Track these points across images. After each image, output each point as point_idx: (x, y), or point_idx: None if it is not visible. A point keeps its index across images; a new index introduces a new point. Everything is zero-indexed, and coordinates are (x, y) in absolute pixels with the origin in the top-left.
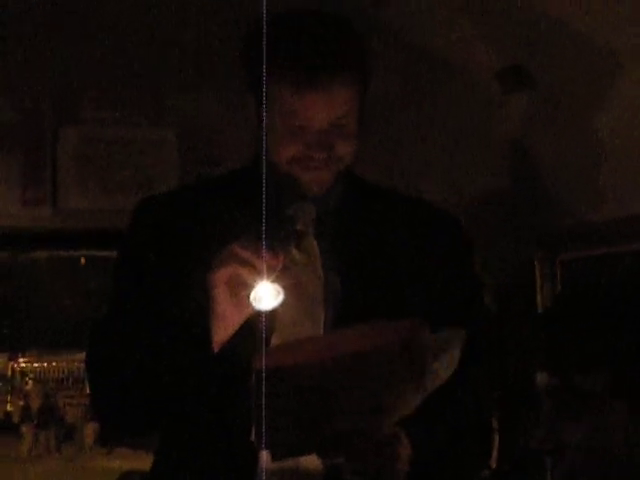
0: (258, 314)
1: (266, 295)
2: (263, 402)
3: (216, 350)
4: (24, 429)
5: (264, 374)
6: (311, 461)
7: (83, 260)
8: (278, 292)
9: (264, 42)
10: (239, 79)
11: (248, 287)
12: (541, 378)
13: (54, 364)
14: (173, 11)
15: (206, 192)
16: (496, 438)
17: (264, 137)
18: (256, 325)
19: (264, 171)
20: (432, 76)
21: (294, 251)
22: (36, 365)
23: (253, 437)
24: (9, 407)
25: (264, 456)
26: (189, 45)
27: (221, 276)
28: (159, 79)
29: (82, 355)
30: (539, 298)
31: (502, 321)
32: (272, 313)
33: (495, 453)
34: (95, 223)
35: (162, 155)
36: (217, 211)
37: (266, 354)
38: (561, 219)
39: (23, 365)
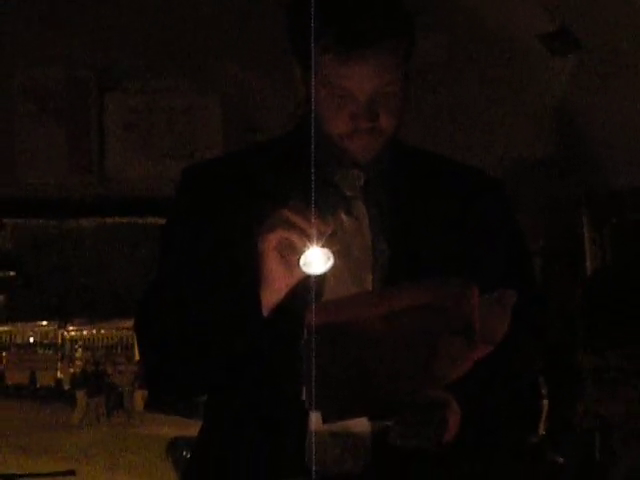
0: (307, 278)
1: (316, 260)
2: (313, 361)
3: (265, 314)
4: (79, 396)
5: (314, 332)
6: (360, 424)
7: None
8: (328, 257)
9: (312, 12)
10: (282, 47)
11: (297, 252)
12: (581, 355)
13: (103, 331)
14: None
15: (252, 158)
16: (545, 404)
17: (312, 106)
18: (305, 289)
19: (313, 139)
20: (477, 41)
21: (342, 217)
22: (85, 333)
23: (304, 397)
24: (59, 374)
25: (314, 418)
26: (232, 13)
27: (271, 240)
28: (202, 47)
29: (131, 322)
30: (588, 264)
31: (549, 288)
32: (320, 278)
33: (544, 419)
34: (141, 190)
35: (206, 122)
36: (263, 177)
37: (316, 310)
38: (609, 183)
39: (72, 333)
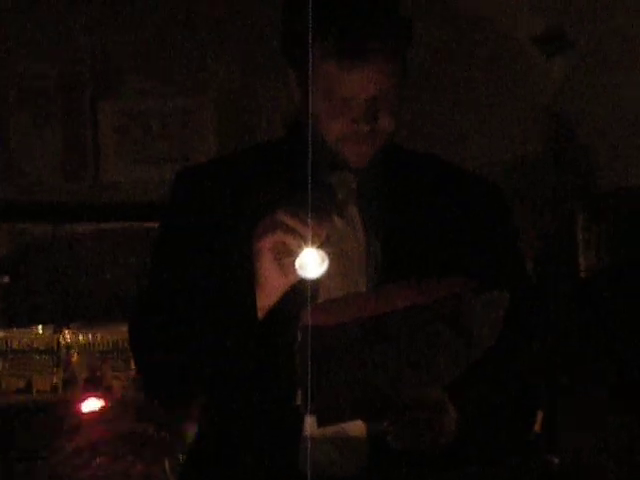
0: (301, 281)
1: (311, 262)
2: (308, 365)
3: (260, 316)
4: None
5: (309, 334)
6: (356, 427)
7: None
8: (323, 259)
9: (310, 16)
10: (277, 50)
11: (293, 254)
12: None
13: (99, 336)
14: None
15: (246, 161)
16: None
17: (310, 109)
18: (300, 292)
19: (310, 142)
20: (470, 42)
21: (336, 219)
22: (81, 337)
23: (299, 402)
24: (55, 380)
25: (309, 421)
26: (226, 16)
27: (266, 243)
28: (197, 50)
29: (126, 327)
30: (581, 264)
31: (542, 288)
32: (314, 280)
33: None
34: (136, 194)
35: (200, 126)
36: (257, 180)
37: (310, 313)
38: (602, 183)
39: (68, 338)
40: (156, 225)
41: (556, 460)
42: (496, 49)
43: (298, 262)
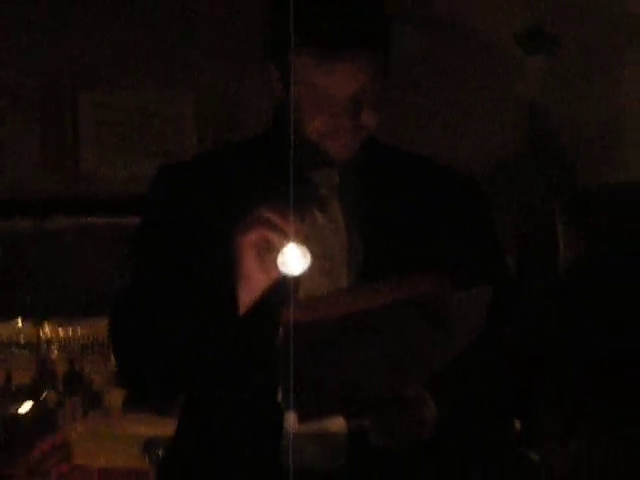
0: (284, 277)
1: (294, 258)
2: (290, 361)
3: (242, 312)
4: (48, 396)
5: (290, 330)
6: (336, 423)
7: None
8: (305, 255)
9: (292, 14)
10: (258, 45)
11: (275, 250)
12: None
13: (79, 331)
14: None
15: (227, 157)
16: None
17: (292, 106)
18: (281, 288)
19: (292, 138)
20: (452, 38)
21: (318, 215)
22: (61, 332)
23: (279, 398)
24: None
25: (290, 417)
26: (207, 12)
27: (249, 239)
28: (176, 45)
29: (106, 322)
30: (561, 261)
31: (523, 285)
32: (296, 277)
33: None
34: (116, 189)
35: (180, 121)
36: (238, 176)
37: (289, 309)
38: (584, 181)
39: (48, 332)
40: (136, 220)
41: (536, 457)
42: (477, 47)
43: (280, 258)
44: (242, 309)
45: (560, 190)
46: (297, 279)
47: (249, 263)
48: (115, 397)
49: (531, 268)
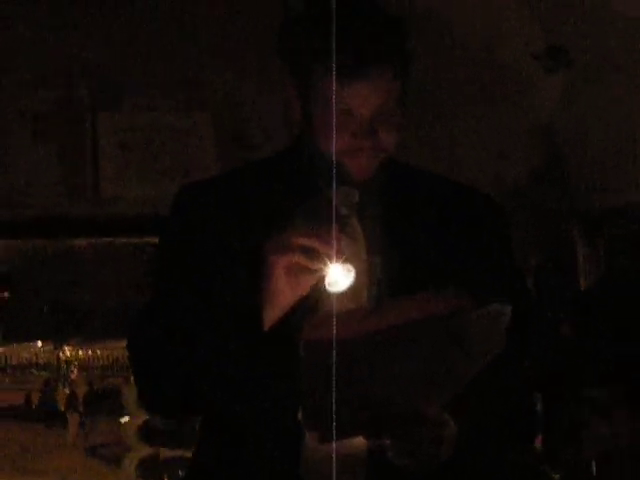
0: (308, 294)
1: (340, 277)
2: (311, 380)
3: (267, 329)
4: (70, 417)
5: (311, 348)
6: (356, 442)
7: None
8: (349, 271)
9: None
10: (277, 64)
11: (309, 272)
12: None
13: (99, 352)
14: None
15: (248, 176)
16: (540, 420)
17: (312, 126)
18: (302, 305)
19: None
20: (469, 58)
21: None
22: (81, 353)
23: (300, 417)
24: (55, 395)
25: (310, 437)
26: (225, 31)
27: (281, 263)
28: (195, 65)
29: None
30: (581, 279)
31: (542, 303)
32: (316, 295)
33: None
34: (136, 209)
35: (199, 140)
36: (259, 194)
37: (313, 326)
38: (601, 198)
39: (68, 354)
40: (156, 240)
41: (557, 476)
42: (495, 66)
43: (327, 280)
44: (266, 326)
45: (579, 208)
46: (317, 298)
47: (279, 282)
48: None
49: (549, 287)
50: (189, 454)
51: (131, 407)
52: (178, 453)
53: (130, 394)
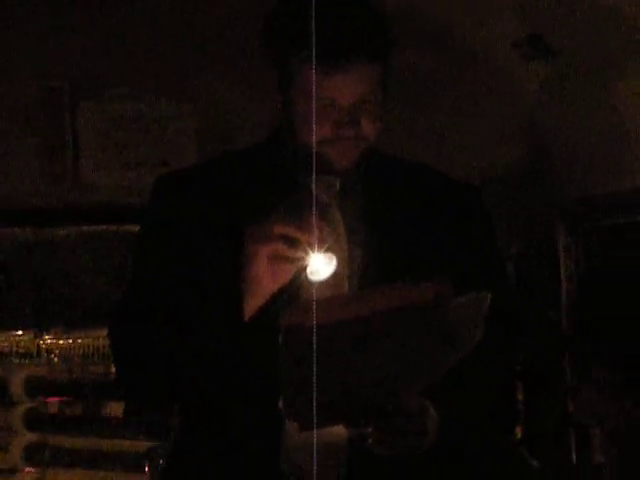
0: (288, 283)
1: (322, 266)
2: (290, 368)
3: (247, 318)
4: (49, 405)
5: (291, 334)
6: (337, 431)
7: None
8: (331, 259)
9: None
10: (258, 56)
11: (291, 261)
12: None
13: (79, 341)
14: None
15: (227, 166)
16: (521, 408)
17: (296, 116)
18: (282, 293)
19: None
20: (448, 49)
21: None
22: (61, 342)
23: (280, 406)
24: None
25: (291, 425)
26: (208, 21)
27: (263, 251)
28: (177, 55)
29: (106, 331)
30: (562, 271)
31: (523, 293)
32: (297, 286)
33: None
34: (116, 198)
35: (180, 131)
36: (239, 185)
37: (291, 313)
38: (582, 189)
39: (49, 342)
40: (136, 228)
41: (535, 462)
42: (475, 57)
43: (309, 269)
44: (247, 315)
45: (561, 200)
46: (297, 285)
47: (260, 271)
48: (116, 407)
49: (531, 277)
50: (77, 442)
51: (17, 394)
52: (65, 440)
53: (16, 381)
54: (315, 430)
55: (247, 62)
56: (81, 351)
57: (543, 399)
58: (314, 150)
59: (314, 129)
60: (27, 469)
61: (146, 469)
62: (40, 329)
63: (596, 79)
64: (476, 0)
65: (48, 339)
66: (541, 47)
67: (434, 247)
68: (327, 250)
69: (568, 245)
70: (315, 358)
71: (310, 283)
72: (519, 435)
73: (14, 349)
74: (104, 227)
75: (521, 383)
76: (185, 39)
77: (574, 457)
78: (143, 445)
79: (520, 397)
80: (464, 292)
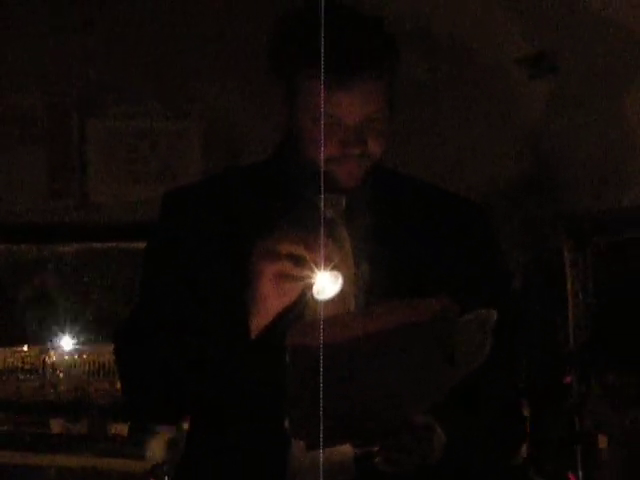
0: (295, 302)
1: (328, 285)
2: (297, 386)
3: (253, 336)
4: (53, 422)
5: (298, 354)
6: (343, 449)
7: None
8: (337, 278)
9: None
10: (264, 71)
11: (297, 279)
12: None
13: (85, 357)
14: (199, 2)
15: (233, 183)
16: (527, 426)
17: (302, 133)
18: (288, 311)
19: (297, 162)
20: (455, 64)
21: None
22: (67, 358)
23: (286, 425)
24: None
25: (297, 444)
26: (213, 37)
27: (269, 270)
28: (184, 70)
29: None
30: (569, 286)
31: (529, 309)
32: (303, 304)
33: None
34: (123, 215)
35: (186, 147)
36: (245, 200)
37: (299, 331)
38: (588, 204)
39: (54, 358)
40: (143, 245)
41: None
42: (478, 71)
43: (315, 289)
44: (253, 333)
45: (567, 215)
46: (304, 303)
47: (266, 290)
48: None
49: (538, 292)
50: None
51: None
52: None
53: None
54: (321, 449)
55: (254, 77)
56: (87, 367)
57: (549, 415)
58: (322, 169)
59: (322, 149)
60: None
61: None
62: (45, 346)
63: (602, 93)
64: (480, 16)
65: (53, 355)
66: (546, 64)
67: (439, 264)
68: (333, 268)
69: (575, 260)
70: (322, 377)
71: (316, 302)
72: (525, 453)
73: (20, 365)
74: (111, 244)
75: (526, 400)
76: (192, 54)
77: (580, 475)
78: (148, 463)
79: (525, 414)
80: (469, 308)
